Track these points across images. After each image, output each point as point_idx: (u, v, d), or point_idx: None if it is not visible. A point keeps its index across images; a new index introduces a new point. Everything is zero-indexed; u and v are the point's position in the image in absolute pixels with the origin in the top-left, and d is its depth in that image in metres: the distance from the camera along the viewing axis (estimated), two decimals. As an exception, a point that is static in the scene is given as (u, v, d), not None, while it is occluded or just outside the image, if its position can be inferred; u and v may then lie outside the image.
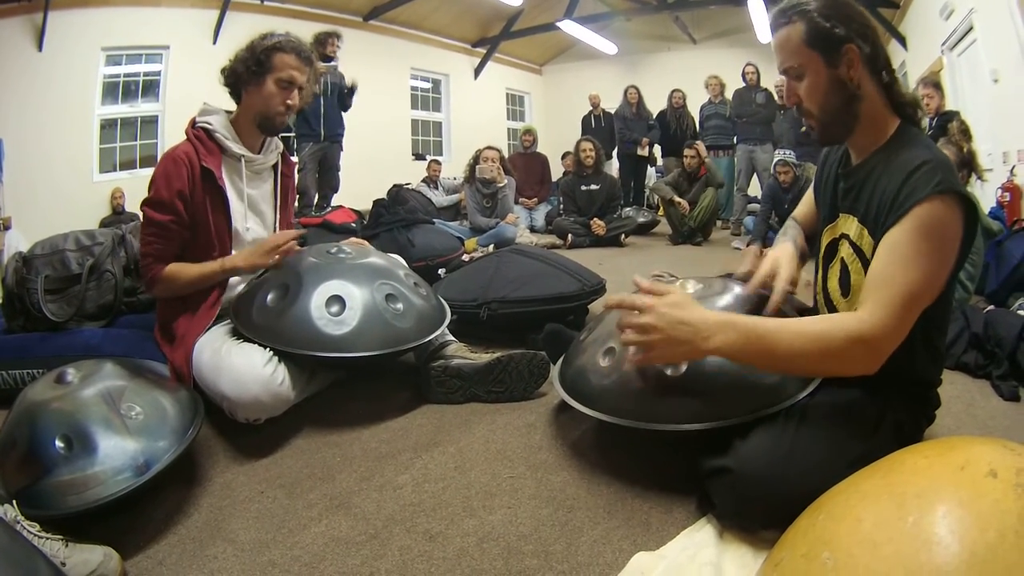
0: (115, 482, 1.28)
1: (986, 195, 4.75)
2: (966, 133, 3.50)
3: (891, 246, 1.25)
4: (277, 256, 1.97)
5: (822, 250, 1.58)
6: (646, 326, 1.28)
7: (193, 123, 2.04)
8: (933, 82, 4.96)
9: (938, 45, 6.76)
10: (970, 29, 5.76)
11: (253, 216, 2.14)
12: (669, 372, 1.44)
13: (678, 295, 1.32)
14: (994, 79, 5.14)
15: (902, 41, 8.73)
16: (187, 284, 1.97)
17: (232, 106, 2.12)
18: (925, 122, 4.66)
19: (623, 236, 6.29)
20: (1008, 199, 4.64)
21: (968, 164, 3.10)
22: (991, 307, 2.97)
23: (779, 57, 1.43)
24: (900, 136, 1.38)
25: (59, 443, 1.30)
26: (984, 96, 5.52)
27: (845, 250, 1.46)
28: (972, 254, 2.92)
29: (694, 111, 8.42)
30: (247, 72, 2.01)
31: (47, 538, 1.11)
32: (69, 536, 1.15)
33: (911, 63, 8.40)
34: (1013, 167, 4.78)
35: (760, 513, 1.25)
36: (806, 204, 1.81)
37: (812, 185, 1.75)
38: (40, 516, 1.17)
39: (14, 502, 1.17)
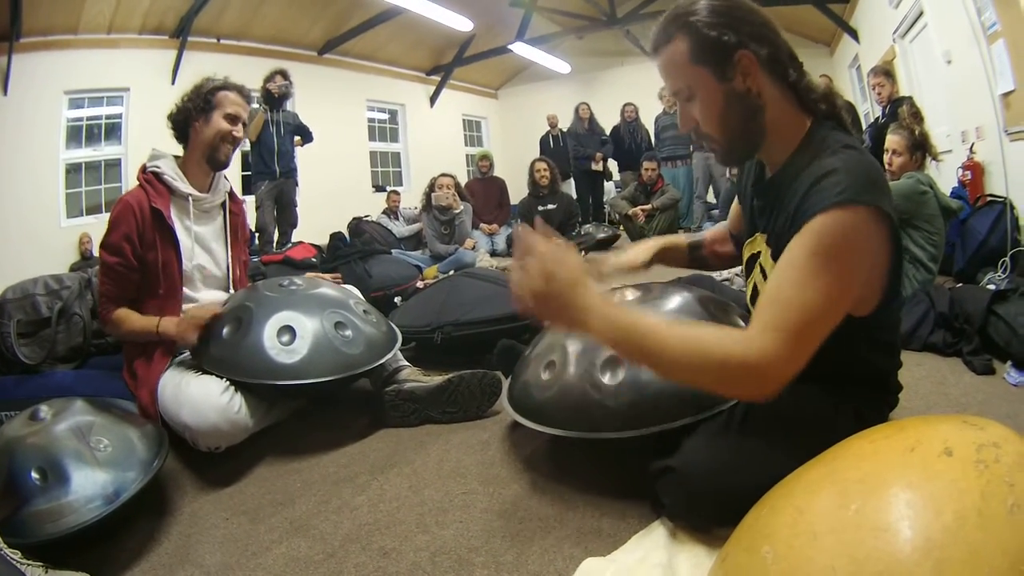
0: (87, 510, 1.36)
1: (945, 176, 4.71)
2: (917, 115, 3.55)
3: (786, 263, 1.11)
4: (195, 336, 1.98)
5: (743, 263, 1.50)
6: (530, 270, 1.16)
7: (143, 168, 2.13)
8: (884, 70, 5.01)
9: (889, 34, 6.76)
10: (920, 14, 5.74)
11: (203, 253, 2.22)
12: (607, 380, 1.46)
13: (577, 272, 1.16)
14: (947, 60, 5.10)
15: (854, 35, 8.71)
16: (128, 334, 2.05)
17: (180, 151, 2.23)
18: (877, 110, 4.74)
19: (583, 252, 6.23)
20: (969, 177, 4.60)
21: (922, 146, 3.14)
22: (958, 285, 3.00)
23: (665, 80, 1.30)
24: (811, 140, 1.25)
25: (35, 475, 1.38)
26: (938, 79, 5.48)
27: (758, 268, 1.39)
28: (932, 235, 2.94)
29: (649, 123, 8.46)
30: (195, 109, 2.14)
31: (29, 564, 1.17)
32: (49, 564, 1.21)
33: (864, 56, 8.37)
34: (972, 144, 4.71)
35: (709, 509, 1.22)
36: (734, 208, 1.70)
37: (735, 192, 1.67)
38: (21, 544, 1.23)
39: (-3, 532, 1.23)
